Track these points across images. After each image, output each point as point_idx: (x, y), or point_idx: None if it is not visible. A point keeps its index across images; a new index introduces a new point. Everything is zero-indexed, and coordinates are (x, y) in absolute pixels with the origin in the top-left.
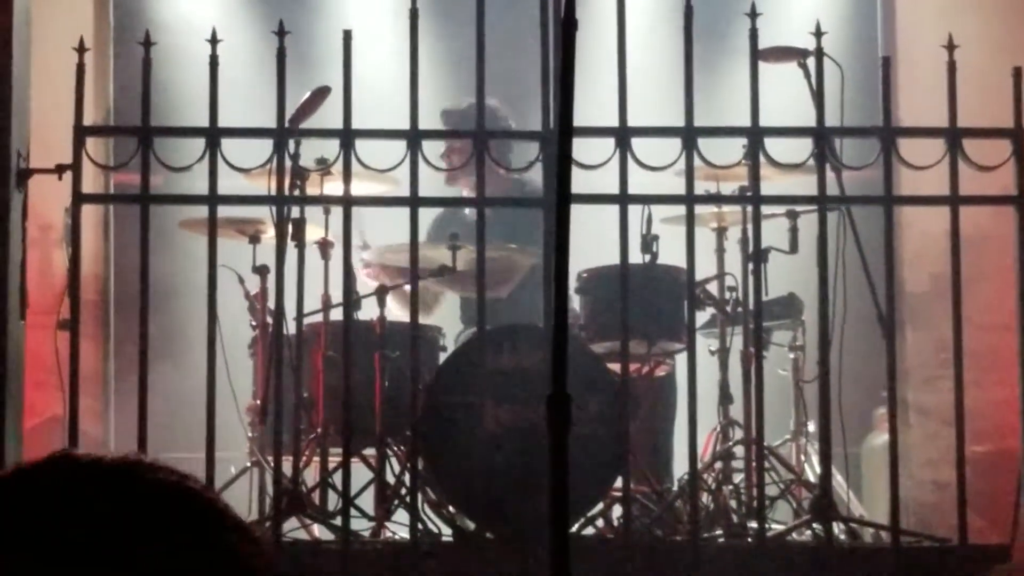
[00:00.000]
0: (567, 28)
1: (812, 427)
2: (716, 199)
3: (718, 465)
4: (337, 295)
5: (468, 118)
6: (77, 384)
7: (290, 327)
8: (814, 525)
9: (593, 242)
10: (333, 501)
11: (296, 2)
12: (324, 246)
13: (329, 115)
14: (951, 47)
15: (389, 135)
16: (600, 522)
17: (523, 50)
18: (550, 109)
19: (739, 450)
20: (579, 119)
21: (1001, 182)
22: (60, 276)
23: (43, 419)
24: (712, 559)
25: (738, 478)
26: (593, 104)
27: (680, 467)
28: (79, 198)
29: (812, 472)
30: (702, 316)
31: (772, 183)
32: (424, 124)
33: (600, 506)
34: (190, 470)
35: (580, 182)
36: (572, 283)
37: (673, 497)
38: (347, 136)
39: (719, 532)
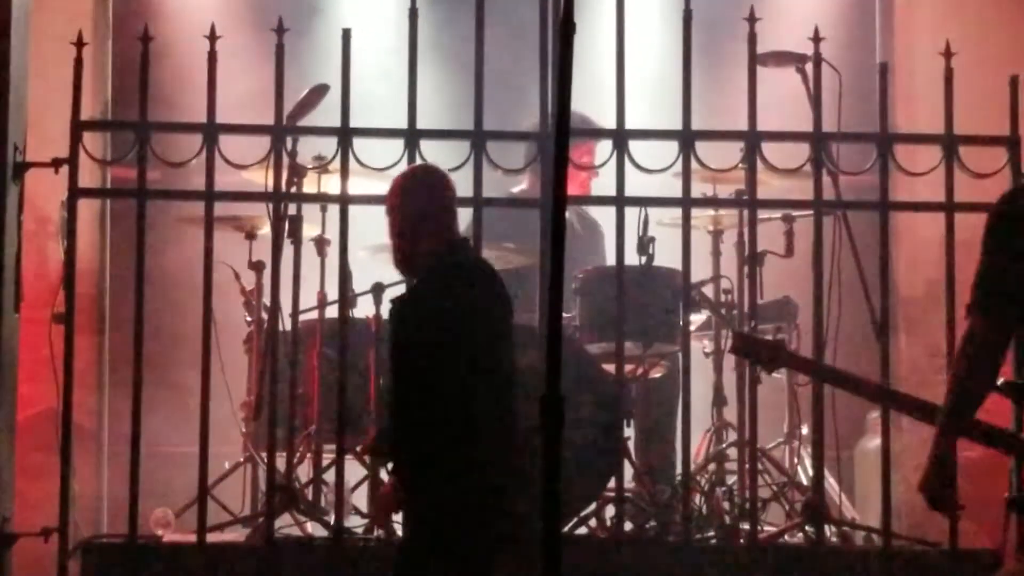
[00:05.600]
0: (565, 30)
1: (805, 430)
2: (713, 202)
3: (711, 467)
4: (333, 292)
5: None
6: (71, 377)
7: (286, 323)
8: (806, 527)
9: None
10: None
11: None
12: (321, 243)
13: (327, 113)
14: (948, 54)
15: (387, 134)
16: (593, 522)
17: (522, 50)
18: (548, 110)
19: (733, 452)
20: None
21: (996, 189)
22: (56, 270)
23: (37, 411)
24: (704, 560)
25: (731, 480)
26: (591, 106)
27: (675, 468)
28: (76, 192)
29: (805, 475)
30: (697, 318)
31: (769, 187)
32: (422, 123)
33: (593, 506)
34: (183, 464)
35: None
36: (569, 284)
37: (667, 498)
38: (345, 134)
39: (712, 533)
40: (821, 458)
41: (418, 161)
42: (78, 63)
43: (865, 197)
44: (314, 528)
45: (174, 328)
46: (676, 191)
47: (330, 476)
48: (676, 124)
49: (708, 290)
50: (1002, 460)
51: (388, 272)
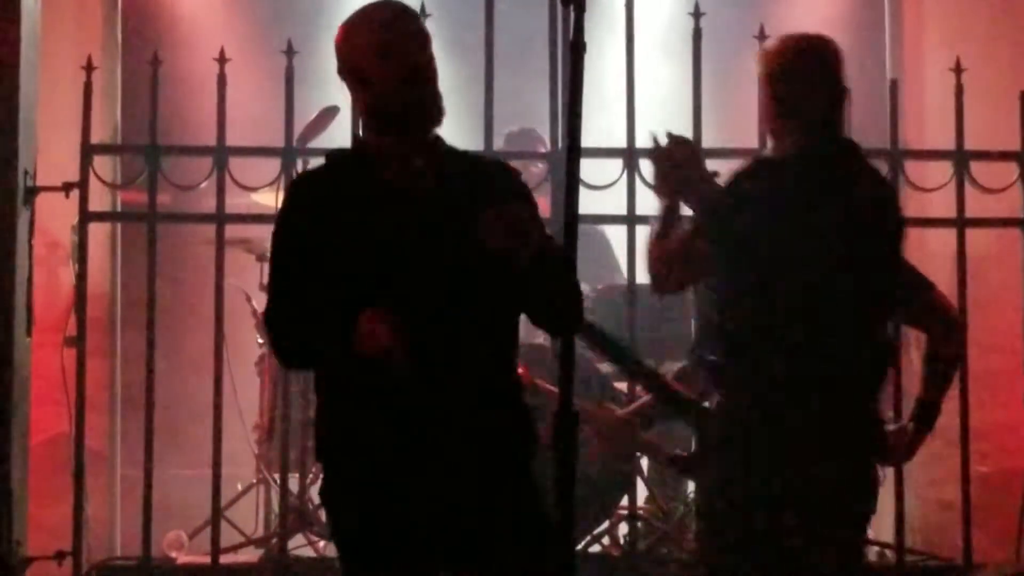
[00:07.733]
0: (575, 52)
1: None
2: None
3: None
4: None
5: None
6: (84, 401)
7: None
8: None
9: None
10: None
11: (305, 21)
12: None
13: (338, 135)
14: (958, 70)
15: None
16: (606, 540)
17: (532, 71)
18: (558, 130)
19: None
20: (587, 140)
21: (1007, 204)
22: (67, 294)
23: (49, 436)
24: None
25: None
26: (601, 124)
27: (688, 485)
28: (86, 216)
29: None
30: None
31: None
32: None
33: (606, 524)
34: (196, 486)
35: (589, 202)
36: None
37: (679, 516)
38: None
39: None
40: None
41: None
42: (87, 87)
43: None
44: (328, 548)
45: (186, 351)
46: (686, 209)
47: None
48: None
49: None
50: (1015, 473)
51: None
